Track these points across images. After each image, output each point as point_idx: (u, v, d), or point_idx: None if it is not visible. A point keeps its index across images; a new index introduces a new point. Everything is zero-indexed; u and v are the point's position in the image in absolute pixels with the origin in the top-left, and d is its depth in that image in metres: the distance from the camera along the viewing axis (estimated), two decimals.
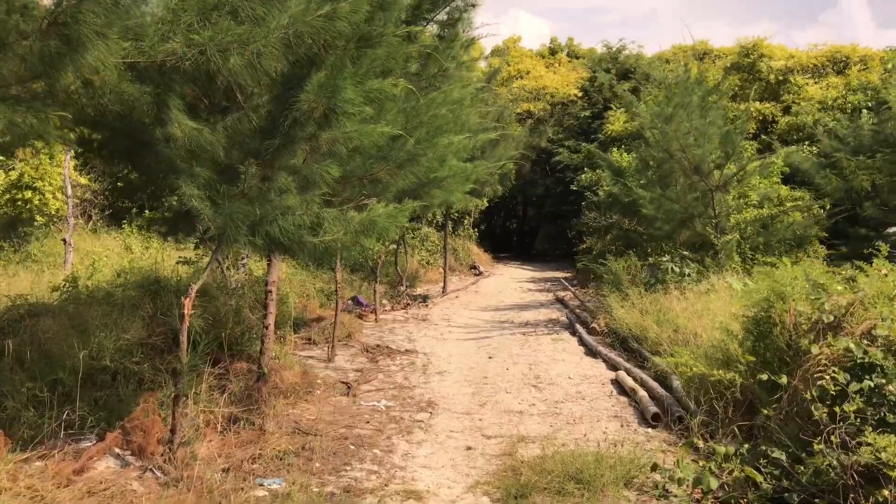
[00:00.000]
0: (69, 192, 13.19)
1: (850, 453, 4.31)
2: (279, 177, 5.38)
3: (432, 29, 6.98)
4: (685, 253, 11.19)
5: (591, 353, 10.19)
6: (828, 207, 13.91)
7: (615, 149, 24.01)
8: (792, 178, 17.29)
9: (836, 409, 4.52)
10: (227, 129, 5.43)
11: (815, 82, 26.00)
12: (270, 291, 6.90)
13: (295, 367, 8.92)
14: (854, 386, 4.64)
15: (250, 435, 6.07)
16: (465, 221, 29.20)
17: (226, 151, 5.37)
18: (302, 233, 5.25)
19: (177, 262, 9.80)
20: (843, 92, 23.81)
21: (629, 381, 8.02)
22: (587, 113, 31.27)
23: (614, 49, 32.82)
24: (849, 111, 21.97)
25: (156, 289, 9.22)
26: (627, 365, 8.79)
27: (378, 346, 10.89)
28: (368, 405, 7.71)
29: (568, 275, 24.63)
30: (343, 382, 8.63)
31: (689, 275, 10.77)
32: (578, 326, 11.89)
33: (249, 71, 4.63)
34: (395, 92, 6.83)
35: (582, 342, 10.98)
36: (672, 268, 10.86)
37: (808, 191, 15.38)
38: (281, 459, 5.71)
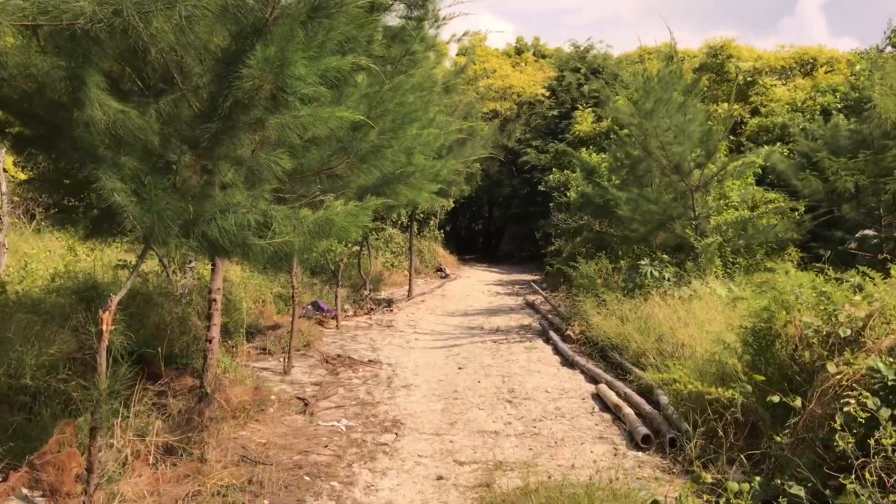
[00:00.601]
0: (3, 188, 12.14)
1: (890, 493, 3.69)
2: (219, 169, 4.61)
3: (399, 8, 6.29)
4: (664, 256, 10.63)
5: (568, 363, 9.55)
6: (802, 209, 13.54)
7: (584, 149, 23.55)
8: (763, 179, 16.95)
9: (870, 439, 3.90)
10: (161, 112, 4.64)
11: (783, 84, 25.91)
12: (214, 300, 6.09)
13: (246, 382, 8.11)
14: (884, 412, 4.04)
15: (188, 467, 5.27)
16: (431, 222, 28.51)
17: (161, 139, 4.59)
18: (246, 234, 4.47)
19: (115, 266, 8.91)
20: (812, 94, 23.68)
21: (612, 397, 7.38)
22: (555, 112, 30.80)
23: (582, 48, 32.42)
24: (818, 112, 21.83)
25: (91, 296, 8.34)
26: (609, 378, 8.16)
27: (339, 355, 10.11)
28: (327, 425, 6.95)
29: (537, 277, 24.07)
30: (299, 398, 7.85)
31: (668, 279, 10.20)
32: (552, 334, 11.25)
33: (179, 39, 3.85)
34: (356, 76, 6.10)
35: (557, 351, 10.34)
36: (651, 272, 10.27)
37: (782, 192, 15.02)
38: (223, 497, 4.93)
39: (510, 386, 8.42)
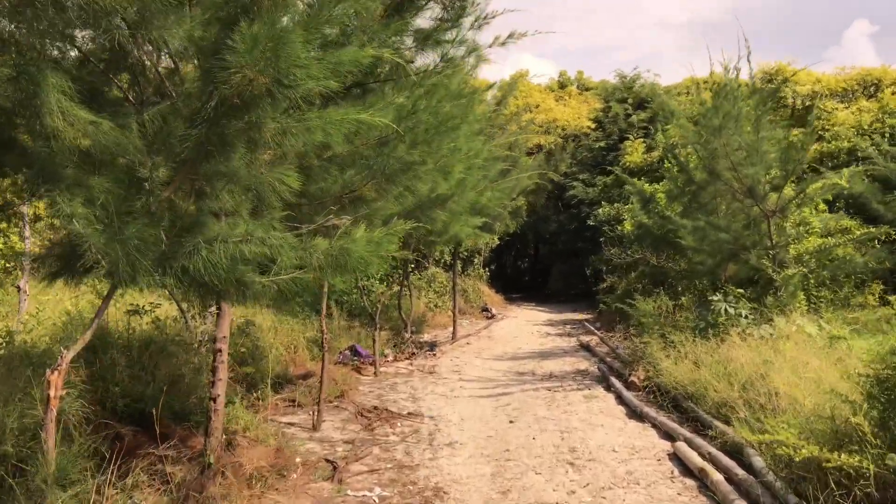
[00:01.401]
0: (27, 231, 11.59)
1: None
2: (211, 189, 3.71)
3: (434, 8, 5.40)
4: (738, 290, 9.41)
5: (636, 415, 8.36)
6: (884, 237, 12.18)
7: (636, 180, 22.42)
8: (831, 205, 15.59)
9: None
10: (146, 125, 3.78)
11: (846, 107, 24.47)
12: (220, 350, 5.16)
13: (269, 441, 7.15)
14: None
15: None
16: (476, 260, 27.52)
17: (146, 157, 3.72)
18: (241, 269, 3.54)
19: (126, 313, 8.10)
20: (879, 115, 22.21)
21: (695, 458, 6.18)
22: (602, 144, 29.77)
23: (628, 79, 31.44)
24: (886, 135, 20.42)
25: (96, 345, 7.52)
26: (687, 433, 6.96)
27: (376, 407, 9.09)
28: (357, 496, 5.92)
29: (589, 316, 22.78)
30: (328, 461, 6.84)
31: (745, 316, 8.97)
32: (614, 380, 10.06)
33: (141, 20, 2.99)
34: (384, 87, 5.21)
35: (621, 400, 9.15)
36: (725, 308, 9.06)
37: (856, 219, 13.65)
38: None
39: (571, 443, 7.28)
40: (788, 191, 9.56)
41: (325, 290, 8.38)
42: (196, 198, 3.84)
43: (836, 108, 24.04)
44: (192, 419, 6.99)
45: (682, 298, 16.18)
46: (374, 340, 11.81)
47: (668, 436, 7.27)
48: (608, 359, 12.36)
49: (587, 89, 39.60)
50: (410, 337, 14.55)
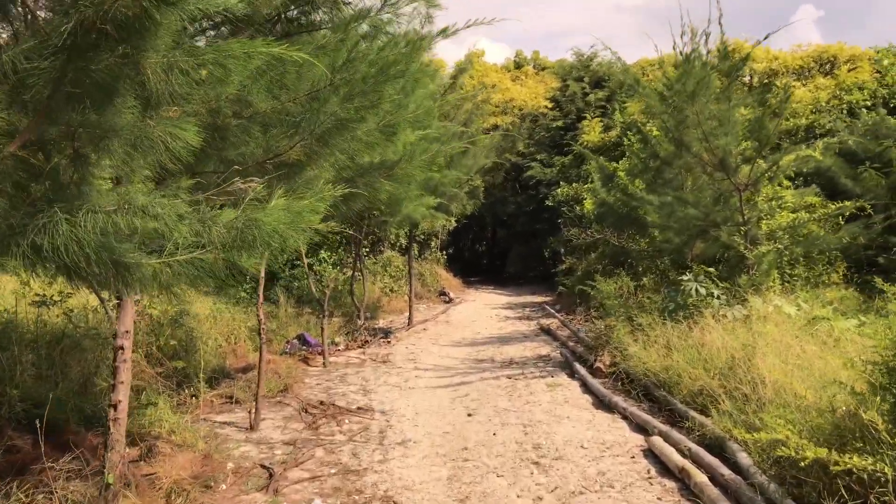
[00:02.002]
0: None
1: None
2: (78, 144, 2.88)
3: None
4: (709, 269, 8.85)
5: (604, 405, 7.74)
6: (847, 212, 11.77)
7: (592, 162, 21.90)
8: (793, 180, 15.23)
9: None
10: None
11: (803, 84, 24.31)
12: (121, 349, 4.30)
13: (198, 445, 6.34)
14: None
15: None
16: (433, 244, 26.79)
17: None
18: (119, 247, 2.73)
19: (32, 304, 7.16)
20: (836, 92, 22.06)
21: (674, 456, 5.56)
22: (559, 124, 29.19)
23: (585, 57, 30.87)
24: (843, 112, 20.30)
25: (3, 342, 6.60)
26: (662, 426, 6.35)
27: (322, 402, 8.31)
28: None
29: (548, 299, 22.27)
30: (263, 467, 6.06)
31: (717, 297, 8.42)
32: (578, 366, 9.44)
33: None
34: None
35: (587, 388, 8.53)
36: (696, 288, 8.49)
37: (817, 194, 13.26)
38: None
39: (535, 439, 6.61)
40: (761, 164, 9.02)
41: (262, 274, 7.55)
42: (72, 159, 3.00)
43: (794, 86, 23.86)
44: (107, 423, 6.12)
45: (644, 279, 15.72)
46: (322, 329, 10.99)
47: (641, 428, 6.66)
48: (570, 343, 11.77)
49: (543, 69, 39.01)
50: (364, 324, 13.76)
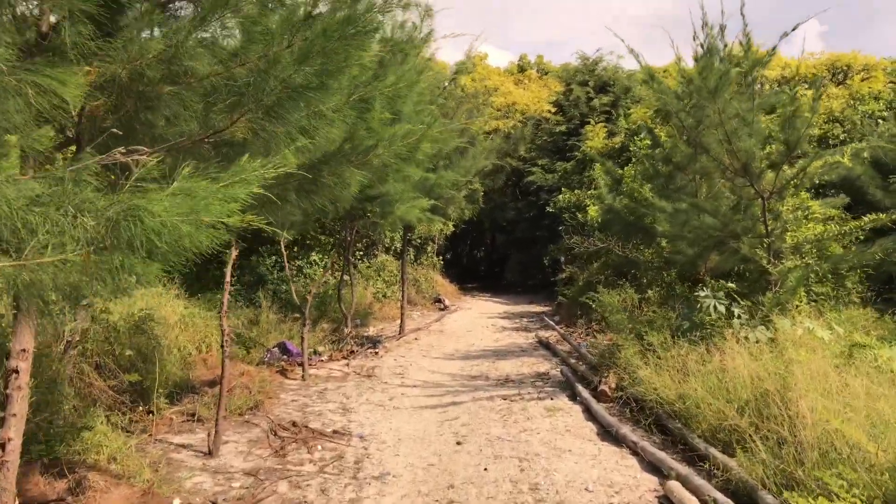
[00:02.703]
0: None
1: None
2: None
3: None
4: (730, 285, 8.00)
5: (611, 436, 6.86)
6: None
7: (597, 165, 21.07)
8: (815, 191, 14.39)
9: None
10: None
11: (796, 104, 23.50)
12: (16, 372, 3.42)
13: (142, 475, 5.48)
14: None
15: None
16: (429, 248, 25.95)
17: None
18: None
19: None
20: (850, 102, 21.28)
21: None
22: (562, 128, 28.36)
23: (591, 60, 30.04)
24: (858, 122, 19.56)
25: None
26: (681, 469, 5.47)
27: (295, 423, 7.43)
28: None
29: (547, 308, 21.43)
30: None
31: (738, 316, 7.56)
32: (580, 388, 8.57)
33: None
34: None
35: (591, 415, 7.66)
36: (715, 305, 7.64)
37: (847, 206, 12.34)
38: None
39: (532, 477, 5.74)
40: (786, 170, 8.18)
41: (228, 279, 6.69)
42: None
43: (805, 95, 23.10)
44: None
45: (650, 291, 14.87)
46: (302, 338, 10.11)
47: (654, 468, 5.79)
48: (571, 360, 10.90)
49: (547, 73, 38.27)
50: (350, 332, 12.88)
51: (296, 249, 19.47)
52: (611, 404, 8.02)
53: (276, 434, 7.06)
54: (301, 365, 10.15)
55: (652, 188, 10.93)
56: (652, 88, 8.69)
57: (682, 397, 6.67)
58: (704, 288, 7.97)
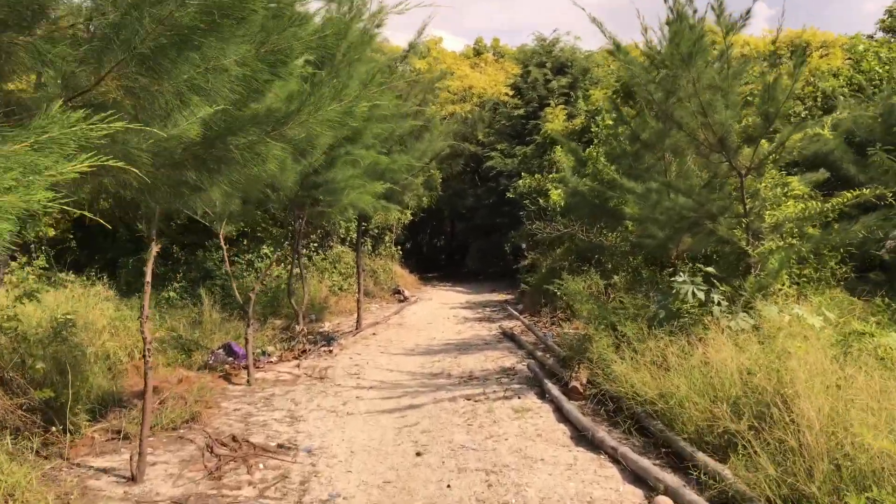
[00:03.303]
0: None
1: None
2: None
3: None
4: (708, 269, 7.42)
5: (586, 440, 6.22)
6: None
7: (558, 148, 20.50)
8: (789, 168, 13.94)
9: None
10: None
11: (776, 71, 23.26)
12: None
13: None
14: None
15: None
16: (386, 238, 25.11)
17: None
18: None
19: None
20: (810, 79, 21.04)
21: None
22: (521, 112, 27.76)
23: (548, 41, 29.46)
24: (819, 100, 19.37)
25: None
26: (670, 480, 4.84)
27: (234, 438, 6.64)
28: None
29: (510, 297, 20.85)
30: None
31: (718, 303, 6.98)
32: (549, 385, 7.93)
33: None
34: None
35: (562, 415, 7.01)
36: (693, 291, 7.05)
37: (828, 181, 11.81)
38: None
39: (501, 495, 5.06)
40: (764, 145, 7.62)
41: (149, 277, 5.85)
42: None
43: (765, 72, 22.81)
44: None
45: (616, 277, 14.37)
46: (246, 340, 9.29)
47: (638, 477, 5.16)
48: (538, 352, 10.27)
49: (503, 56, 37.56)
50: (302, 329, 12.05)
51: (245, 242, 18.54)
52: (583, 402, 7.40)
53: (212, 451, 6.26)
54: (246, 368, 9.33)
55: (618, 169, 10.32)
56: (618, 59, 8.05)
57: (664, 395, 6.06)
58: (681, 273, 7.37)
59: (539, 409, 7.34)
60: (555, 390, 7.62)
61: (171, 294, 15.13)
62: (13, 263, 15.00)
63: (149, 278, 5.76)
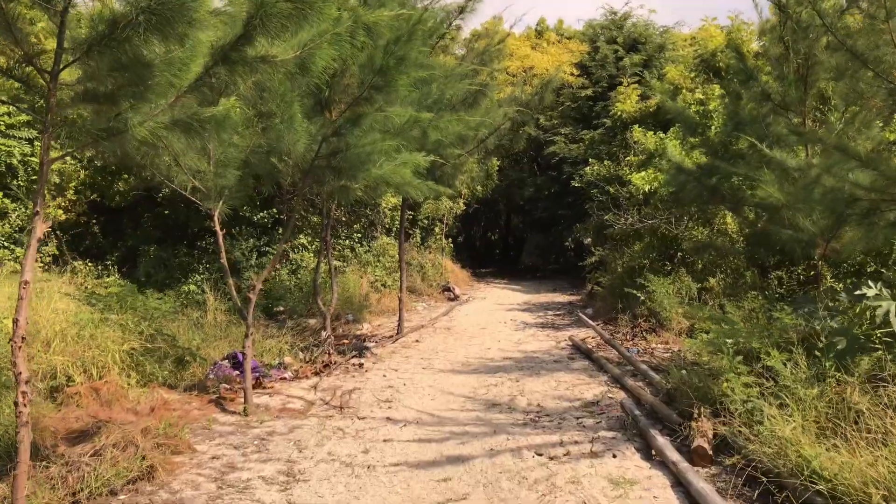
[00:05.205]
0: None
1: None
2: None
3: None
4: None
5: None
6: None
7: (636, 127, 17.91)
8: None
9: None
10: None
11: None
12: None
13: None
14: None
15: None
16: (437, 230, 22.89)
17: None
18: None
19: None
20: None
21: None
22: (587, 92, 25.08)
23: (619, 16, 26.67)
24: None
25: None
26: None
27: None
28: None
29: (574, 298, 18.40)
30: None
31: None
32: (657, 437, 5.53)
33: None
34: None
35: (689, 496, 4.60)
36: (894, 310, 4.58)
37: None
38: None
39: None
40: None
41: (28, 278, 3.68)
42: None
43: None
44: None
45: (712, 279, 11.85)
46: (243, 355, 7.12)
47: None
48: (628, 379, 7.84)
49: (568, 38, 34.87)
50: (329, 336, 9.87)
51: (280, 231, 16.54)
52: (709, 467, 4.99)
53: None
54: (256, 384, 7.18)
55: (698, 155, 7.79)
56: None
57: (867, 483, 3.63)
58: (870, 282, 4.90)
59: (649, 482, 4.93)
60: (668, 450, 5.21)
61: (192, 287, 13.22)
62: (18, 249, 13.32)
63: (27, 278, 3.59)
